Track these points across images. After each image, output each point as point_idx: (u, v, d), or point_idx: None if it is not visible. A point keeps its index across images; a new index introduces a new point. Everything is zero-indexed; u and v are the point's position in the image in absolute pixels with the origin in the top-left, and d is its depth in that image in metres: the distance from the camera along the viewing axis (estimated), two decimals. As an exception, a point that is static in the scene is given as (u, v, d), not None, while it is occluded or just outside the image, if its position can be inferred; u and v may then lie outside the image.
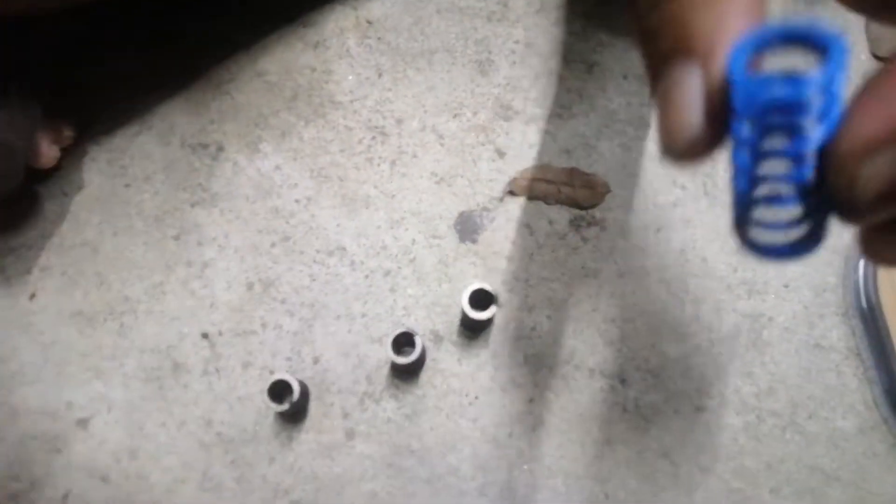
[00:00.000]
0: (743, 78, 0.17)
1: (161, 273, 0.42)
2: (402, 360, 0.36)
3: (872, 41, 0.46)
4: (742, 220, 0.19)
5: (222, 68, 0.46)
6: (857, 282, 0.41)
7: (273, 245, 0.42)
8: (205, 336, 0.40)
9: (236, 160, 0.44)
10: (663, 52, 0.19)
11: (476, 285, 0.37)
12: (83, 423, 0.39)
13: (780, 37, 0.17)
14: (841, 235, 0.42)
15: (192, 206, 0.43)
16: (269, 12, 0.47)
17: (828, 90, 0.16)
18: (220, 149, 0.45)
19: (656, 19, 0.19)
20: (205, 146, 0.45)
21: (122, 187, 0.44)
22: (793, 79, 0.16)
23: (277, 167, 0.44)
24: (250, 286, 0.41)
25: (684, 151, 0.18)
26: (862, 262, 0.41)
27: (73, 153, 0.42)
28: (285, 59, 0.46)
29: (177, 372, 0.40)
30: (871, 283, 0.40)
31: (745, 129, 0.17)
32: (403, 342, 0.37)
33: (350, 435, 0.38)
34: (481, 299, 0.37)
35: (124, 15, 0.46)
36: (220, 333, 0.40)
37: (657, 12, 0.19)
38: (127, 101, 0.45)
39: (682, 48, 0.18)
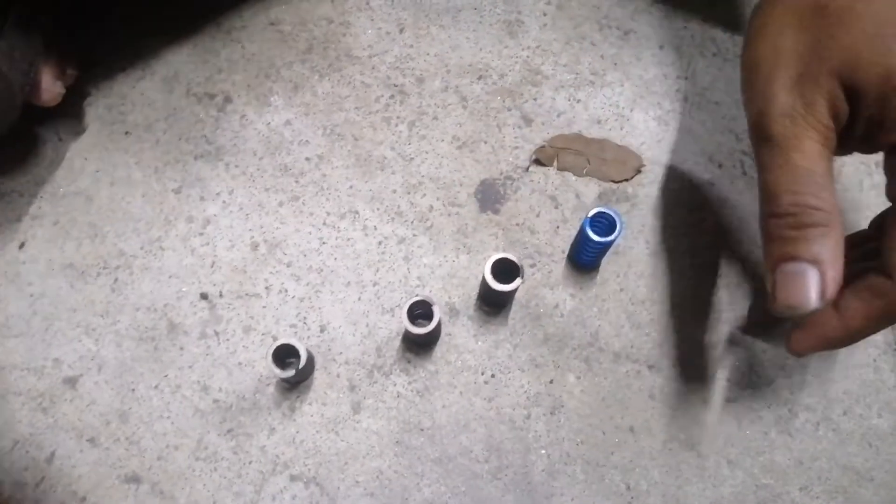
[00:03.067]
0: (587, 232, 0.34)
1: (159, 227, 0.39)
2: (418, 330, 0.33)
3: None
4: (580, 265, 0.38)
5: (234, 15, 0.43)
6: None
7: (281, 204, 0.39)
8: (204, 296, 0.37)
9: (244, 112, 0.41)
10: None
11: (499, 255, 0.34)
12: (71, 381, 0.36)
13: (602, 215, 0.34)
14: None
15: (196, 158, 0.40)
16: (286, -42, 0.44)
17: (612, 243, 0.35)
18: (228, 100, 0.41)
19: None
20: (211, 96, 0.41)
21: (121, 135, 0.40)
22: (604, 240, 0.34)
23: (288, 122, 0.41)
24: (255, 246, 0.38)
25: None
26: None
27: (71, 96, 0.39)
28: (301, 9, 0.43)
29: (173, 333, 0.37)
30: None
31: (587, 249, 0.35)
32: (418, 312, 0.34)
33: (356, 408, 0.36)
34: (504, 270, 0.34)
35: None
36: (221, 295, 0.38)
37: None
38: (131, 44, 0.42)
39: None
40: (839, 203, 0.27)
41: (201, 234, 0.39)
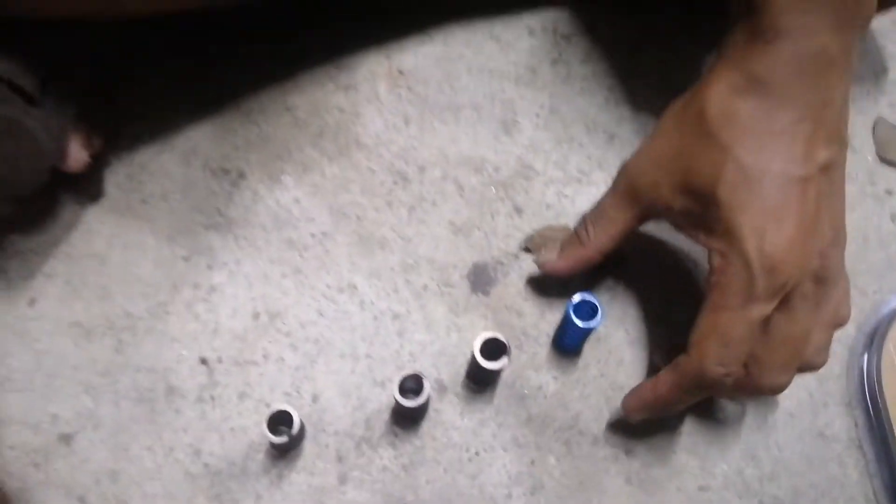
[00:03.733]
0: (571, 317, 0.37)
1: (167, 292, 0.40)
2: (408, 403, 0.35)
3: (879, 145, 0.48)
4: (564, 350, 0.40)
5: (253, 98, 0.46)
6: (860, 373, 0.40)
7: (284, 276, 0.41)
8: (203, 361, 0.39)
9: (256, 189, 0.44)
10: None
11: (488, 334, 0.36)
12: (66, 438, 0.36)
13: (585, 302, 0.37)
14: (846, 328, 0.42)
15: (207, 228, 0.42)
16: (304, 50, 0.47)
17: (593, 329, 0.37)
18: (242, 176, 0.44)
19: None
20: (226, 171, 0.44)
21: (138, 202, 0.43)
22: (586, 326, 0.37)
23: (297, 200, 0.43)
24: (256, 315, 0.40)
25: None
26: (866, 354, 0.41)
27: (94, 163, 0.41)
28: (315, 97, 0.46)
29: (170, 395, 0.38)
30: (875, 376, 0.40)
31: (570, 333, 0.38)
32: (409, 386, 0.36)
33: (343, 479, 0.36)
34: (492, 349, 0.36)
35: (165, 34, 0.46)
36: (220, 360, 0.39)
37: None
38: (154, 119, 0.45)
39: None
40: (606, 245, 0.37)
41: (206, 300, 0.40)
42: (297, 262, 0.42)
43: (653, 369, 0.40)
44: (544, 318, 0.41)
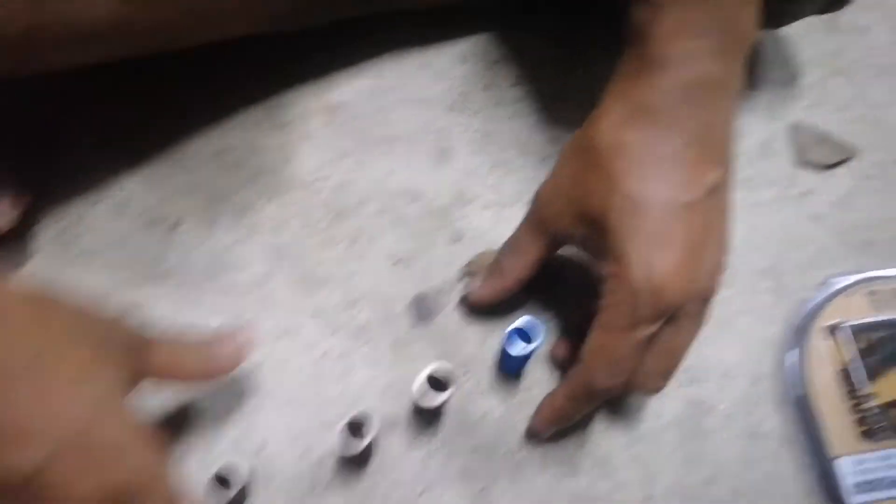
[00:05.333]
0: (509, 343, 0.37)
1: (108, 349, 0.39)
2: (354, 447, 0.35)
3: (797, 148, 0.49)
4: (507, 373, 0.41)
5: (186, 143, 0.46)
6: (788, 370, 0.42)
7: (224, 325, 0.41)
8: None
9: (193, 236, 0.43)
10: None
11: (430, 368, 0.36)
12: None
13: (522, 329, 0.37)
14: (773, 327, 0.43)
15: (142, 281, 0.41)
16: (235, 91, 0.47)
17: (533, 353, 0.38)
18: (177, 224, 0.43)
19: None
20: (162, 220, 0.43)
21: (73, 257, 0.42)
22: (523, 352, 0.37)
23: (234, 244, 0.43)
24: (201, 364, 0.40)
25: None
26: (792, 351, 0.42)
27: (23, 220, 0.40)
28: (249, 138, 0.46)
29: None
30: (801, 373, 0.41)
31: (510, 359, 0.38)
32: (356, 428, 0.36)
33: (297, 523, 0.36)
34: (436, 383, 0.36)
35: (93, 84, 0.45)
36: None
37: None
38: (86, 171, 0.44)
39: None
40: (521, 273, 0.39)
41: (149, 353, 0.40)
42: (238, 308, 0.41)
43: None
44: (487, 344, 0.41)
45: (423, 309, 0.42)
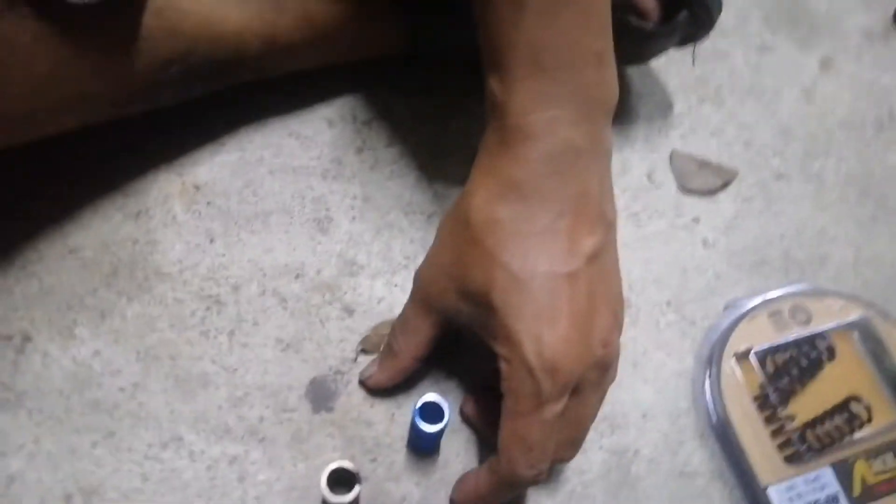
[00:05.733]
0: (419, 424, 0.36)
1: (-51, 499, 0.35)
2: (257, 565, 0.32)
3: (679, 176, 0.52)
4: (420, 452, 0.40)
5: (28, 247, 0.43)
6: (705, 403, 0.43)
7: (94, 445, 0.38)
8: (8, 572, 0.34)
9: (46, 350, 0.40)
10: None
11: (334, 464, 0.35)
12: None
13: (429, 404, 0.37)
14: (684, 360, 0.44)
15: (-9, 410, 0.38)
16: (81, 182, 0.44)
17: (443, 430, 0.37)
18: (27, 339, 0.40)
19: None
20: (8, 338, 0.40)
21: None
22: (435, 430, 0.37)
23: (96, 353, 0.40)
24: (68, 498, 0.36)
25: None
26: (707, 382, 0.43)
27: None
28: (102, 232, 0.44)
29: None
30: (719, 402, 0.43)
31: (421, 438, 0.38)
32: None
33: None
34: (342, 478, 0.35)
35: None
36: (29, 565, 0.34)
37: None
38: None
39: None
40: (416, 353, 0.39)
41: (5, 495, 0.36)
42: (108, 425, 0.38)
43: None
44: (395, 422, 0.40)
45: (321, 394, 0.41)
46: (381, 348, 0.40)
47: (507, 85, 0.33)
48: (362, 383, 0.41)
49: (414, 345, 0.38)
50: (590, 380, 0.34)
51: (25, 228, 0.43)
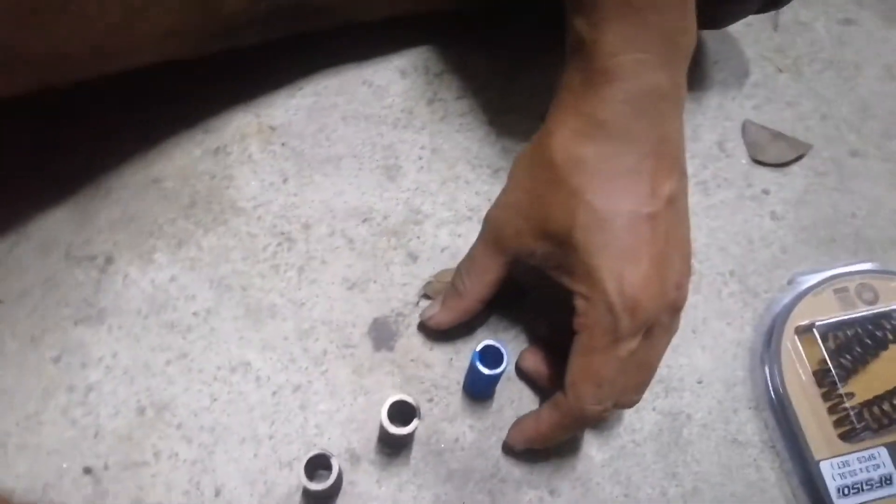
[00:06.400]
0: (477, 366, 0.38)
1: (37, 401, 0.39)
2: (316, 486, 0.35)
3: (750, 147, 0.52)
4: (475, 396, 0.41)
5: (113, 174, 0.45)
6: (764, 375, 0.44)
7: (168, 363, 0.40)
8: (87, 471, 0.37)
9: (127, 272, 0.43)
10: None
11: (395, 397, 0.36)
12: (-66, 587, 0.34)
13: (489, 347, 0.38)
14: (744, 330, 0.45)
15: (76, 323, 0.41)
16: (165, 117, 0.47)
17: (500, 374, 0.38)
18: (109, 260, 0.43)
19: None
20: (91, 258, 0.43)
21: (-7, 303, 0.41)
22: (493, 373, 0.38)
23: (173, 278, 0.43)
24: (141, 411, 0.39)
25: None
26: (766, 354, 0.44)
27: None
28: (183, 165, 0.46)
29: (53, 516, 0.36)
30: (777, 374, 0.43)
31: (478, 382, 0.39)
32: (317, 465, 0.36)
33: (259, 575, 0.36)
34: (402, 412, 0.36)
35: (9, 117, 0.44)
36: (106, 467, 0.37)
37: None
38: (3, 209, 0.43)
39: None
40: (481, 294, 0.40)
41: (83, 403, 0.39)
42: (181, 346, 0.41)
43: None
44: (453, 366, 0.42)
45: (382, 334, 0.43)
46: (445, 291, 0.42)
47: (596, 25, 0.34)
48: (423, 324, 0.42)
49: (480, 285, 0.39)
50: (662, 323, 0.35)
51: (112, 158, 0.46)
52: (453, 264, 0.45)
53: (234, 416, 0.39)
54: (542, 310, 0.42)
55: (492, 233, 0.39)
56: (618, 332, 0.33)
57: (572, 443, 0.40)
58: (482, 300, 0.40)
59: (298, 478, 0.35)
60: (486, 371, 0.38)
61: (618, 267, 0.34)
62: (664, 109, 0.35)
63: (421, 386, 0.41)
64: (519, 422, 0.39)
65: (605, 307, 0.34)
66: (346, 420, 0.40)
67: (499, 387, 0.41)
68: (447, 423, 0.40)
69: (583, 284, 0.34)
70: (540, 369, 0.40)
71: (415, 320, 0.43)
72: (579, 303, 0.35)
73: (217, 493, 0.37)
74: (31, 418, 0.38)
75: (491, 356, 0.38)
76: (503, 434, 0.40)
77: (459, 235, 0.46)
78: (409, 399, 0.36)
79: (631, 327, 0.34)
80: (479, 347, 0.38)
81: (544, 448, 0.39)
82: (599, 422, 0.36)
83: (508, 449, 0.40)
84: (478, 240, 0.40)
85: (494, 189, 0.48)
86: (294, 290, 0.43)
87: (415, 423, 0.36)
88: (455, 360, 0.42)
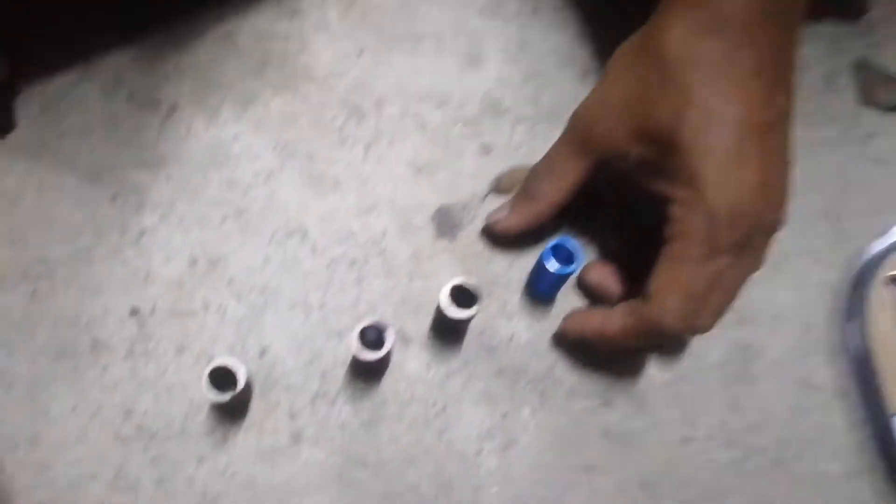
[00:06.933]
0: (546, 262, 0.36)
1: (90, 236, 0.38)
2: (369, 355, 0.34)
3: (862, 87, 0.49)
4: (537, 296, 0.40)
5: (186, 22, 0.44)
6: (845, 321, 0.41)
7: (224, 219, 0.40)
8: (134, 312, 0.37)
9: (191, 123, 0.42)
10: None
11: (457, 280, 0.35)
12: (-26, 398, 0.34)
13: (562, 246, 0.36)
14: (829, 273, 0.43)
15: (135, 166, 0.40)
16: (244, -29, 0.45)
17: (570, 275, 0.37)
18: (174, 108, 0.42)
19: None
20: (156, 103, 0.42)
21: (54, 137, 0.40)
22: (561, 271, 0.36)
23: (237, 136, 0.42)
24: (193, 262, 0.38)
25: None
26: (851, 301, 0.42)
27: (1, 90, 0.39)
28: (258, 24, 0.45)
29: (96, 351, 0.36)
30: (863, 324, 0.41)
31: (544, 280, 0.37)
32: (370, 337, 0.35)
33: (296, 439, 0.35)
34: (461, 297, 0.35)
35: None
36: (153, 311, 0.37)
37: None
38: (72, 41, 0.42)
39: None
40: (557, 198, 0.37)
41: (135, 245, 0.38)
42: (240, 204, 0.40)
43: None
44: (514, 265, 0.41)
45: (446, 222, 0.41)
46: (514, 192, 0.40)
47: None
48: (488, 229, 0.40)
49: (557, 189, 0.37)
50: (755, 244, 0.33)
51: (188, 6, 0.44)
52: (527, 163, 0.43)
53: (287, 281, 0.39)
54: (616, 222, 0.41)
55: (579, 131, 0.37)
56: (715, 243, 0.31)
57: (633, 358, 0.39)
58: (557, 205, 0.38)
59: (348, 347, 0.34)
60: (554, 269, 0.36)
61: (724, 174, 0.31)
62: (790, 18, 0.33)
63: (480, 280, 0.40)
64: (581, 313, 0.37)
65: (705, 215, 0.31)
66: (400, 301, 0.39)
67: (561, 294, 0.40)
68: (503, 320, 0.39)
69: (683, 188, 0.32)
70: (606, 284, 0.38)
71: (481, 213, 0.41)
72: (676, 209, 0.33)
73: (262, 353, 0.37)
74: (81, 253, 0.38)
75: (561, 256, 0.37)
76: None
77: (538, 134, 0.44)
78: (472, 284, 0.35)
79: (729, 241, 0.31)
80: (552, 243, 0.36)
81: (600, 352, 0.37)
82: (671, 343, 0.34)
83: (560, 338, 0.38)
84: (560, 140, 0.38)
85: (582, 91, 0.45)
86: (359, 164, 0.42)
87: (475, 307, 0.35)
88: (517, 260, 0.41)
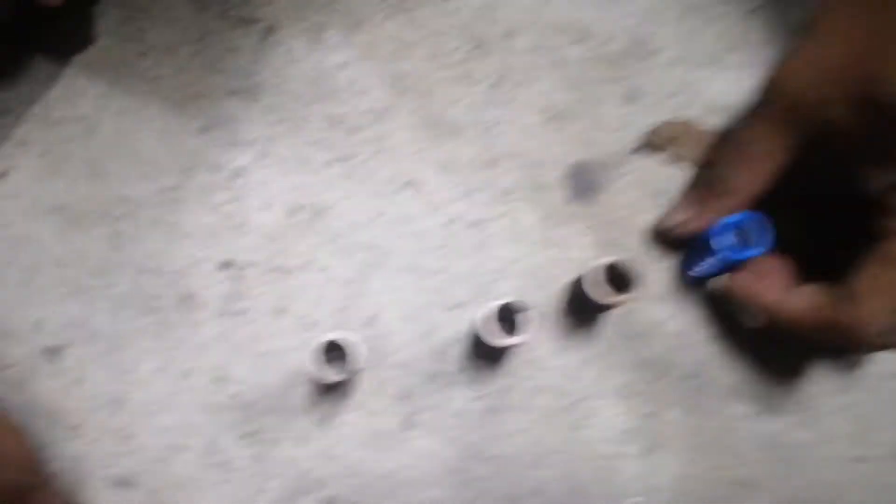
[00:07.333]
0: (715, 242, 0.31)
1: (176, 174, 0.34)
2: (501, 341, 0.29)
3: None
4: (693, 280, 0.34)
5: (290, -73, 0.39)
6: None
7: (329, 164, 0.35)
8: (226, 265, 0.33)
9: (291, 46, 0.37)
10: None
11: (608, 259, 0.30)
12: (53, 352, 0.31)
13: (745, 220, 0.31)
14: None
15: (228, 94, 0.36)
16: None
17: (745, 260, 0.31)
18: (272, 29, 0.37)
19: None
20: (252, 22, 0.37)
21: (136, 55, 0.36)
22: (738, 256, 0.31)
23: (344, 64, 0.37)
24: (294, 211, 0.34)
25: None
26: None
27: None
28: (370, -67, 0.39)
29: (184, 306, 0.32)
30: None
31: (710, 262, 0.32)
32: (504, 317, 0.30)
33: (408, 423, 0.32)
34: (611, 277, 0.30)
35: None
36: (248, 266, 0.33)
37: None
38: (160, -56, 0.37)
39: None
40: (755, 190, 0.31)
41: (228, 188, 0.34)
42: (346, 146, 0.35)
43: (728, 292, 0.33)
44: (663, 237, 0.36)
45: (581, 183, 0.36)
46: (696, 187, 0.34)
47: None
48: (664, 234, 0.34)
49: (755, 177, 0.31)
50: None
51: None
52: (682, 114, 0.37)
53: (399, 240, 0.34)
54: (796, 219, 0.34)
55: (782, 102, 0.30)
56: None
57: (802, 358, 0.34)
58: (755, 200, 0.31)
59: (469, 321, 0.30)
60: (725, 250, 0.31)
61: None
62: None
63: (621, 253, 0.35)
64: (757, 277, 0.31)
65: None
66: (527, 272, 0.34)
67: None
68: (648, 304, 0.34)
69: None
70: (760, 294, 0.31)
71: (623, 174, 0.36)
72: None
73: (370, 322, 0.33)
74: (167, 192, 0.34)
75: (737, 234, 0.31)
76: (717, 330, 0.34)
77: (695, 82, 0.38)
78: (626, 264, 0.30)
79: None
80: (730, 219, 0.31)
81: (756, 329, 0.31)
82: (860, 352, 0.29)
83: (717, 295, 0.32)
84: (753, 114, 0.32)
85: (749, 32, 0.39)
86: (483, 107, 0.37)
87: (628, 294, 0.30)
88: (668, 233, 0.36)
